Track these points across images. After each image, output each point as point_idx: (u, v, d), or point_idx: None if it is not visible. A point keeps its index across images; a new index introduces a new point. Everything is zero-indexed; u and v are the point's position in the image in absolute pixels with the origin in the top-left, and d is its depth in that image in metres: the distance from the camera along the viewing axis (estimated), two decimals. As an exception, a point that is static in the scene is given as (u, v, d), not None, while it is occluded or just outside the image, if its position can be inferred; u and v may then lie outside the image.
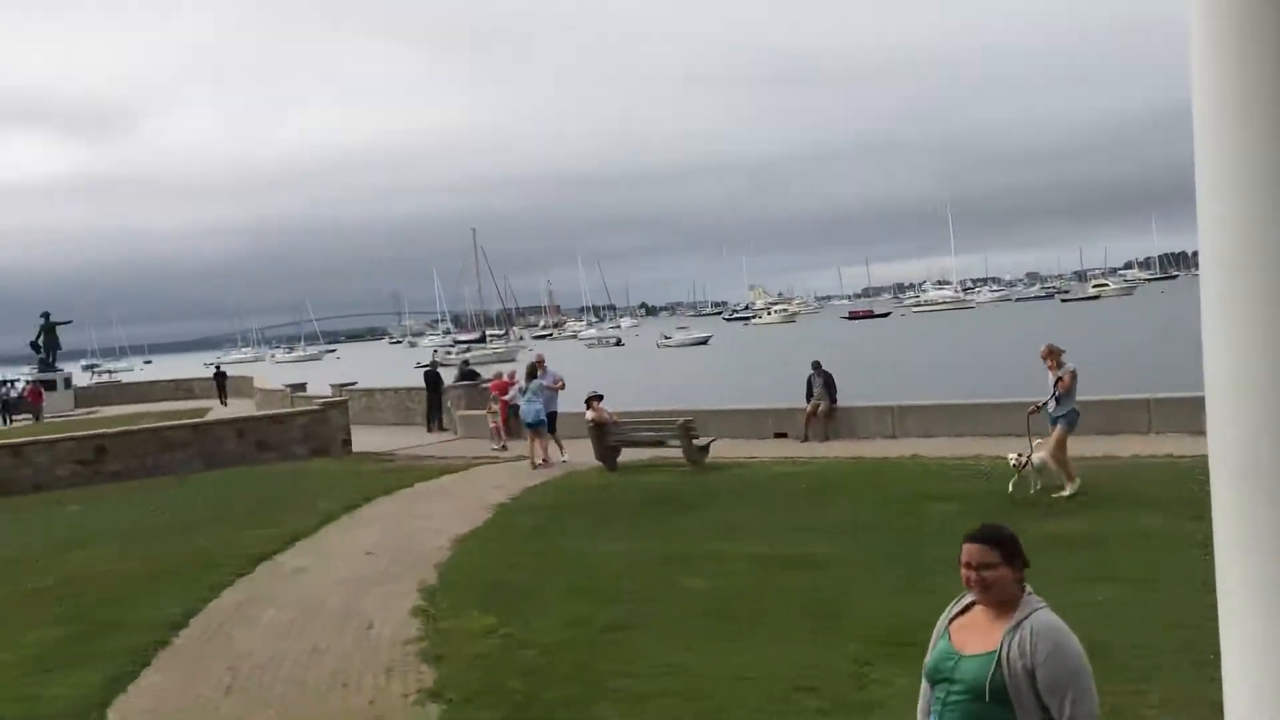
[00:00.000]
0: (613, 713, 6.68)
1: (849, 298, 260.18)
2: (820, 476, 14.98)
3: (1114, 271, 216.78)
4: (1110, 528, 10.75)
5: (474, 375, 30.00)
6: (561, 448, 19.23)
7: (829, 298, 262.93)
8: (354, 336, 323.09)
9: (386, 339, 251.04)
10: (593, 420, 18.12)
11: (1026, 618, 3.42)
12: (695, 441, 17.08)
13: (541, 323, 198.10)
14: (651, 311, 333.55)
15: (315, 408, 24.82)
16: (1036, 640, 3.36)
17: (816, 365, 20.71)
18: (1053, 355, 12.77)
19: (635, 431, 18.19)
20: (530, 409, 19.00)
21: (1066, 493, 12.22)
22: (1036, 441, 12.62)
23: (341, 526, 14.46)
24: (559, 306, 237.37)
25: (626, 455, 18.10)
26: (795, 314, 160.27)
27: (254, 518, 15.46)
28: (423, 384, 28.80)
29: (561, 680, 7.43)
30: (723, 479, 15.49)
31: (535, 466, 18.40)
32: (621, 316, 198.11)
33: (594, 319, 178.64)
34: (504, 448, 22.23)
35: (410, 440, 25.41)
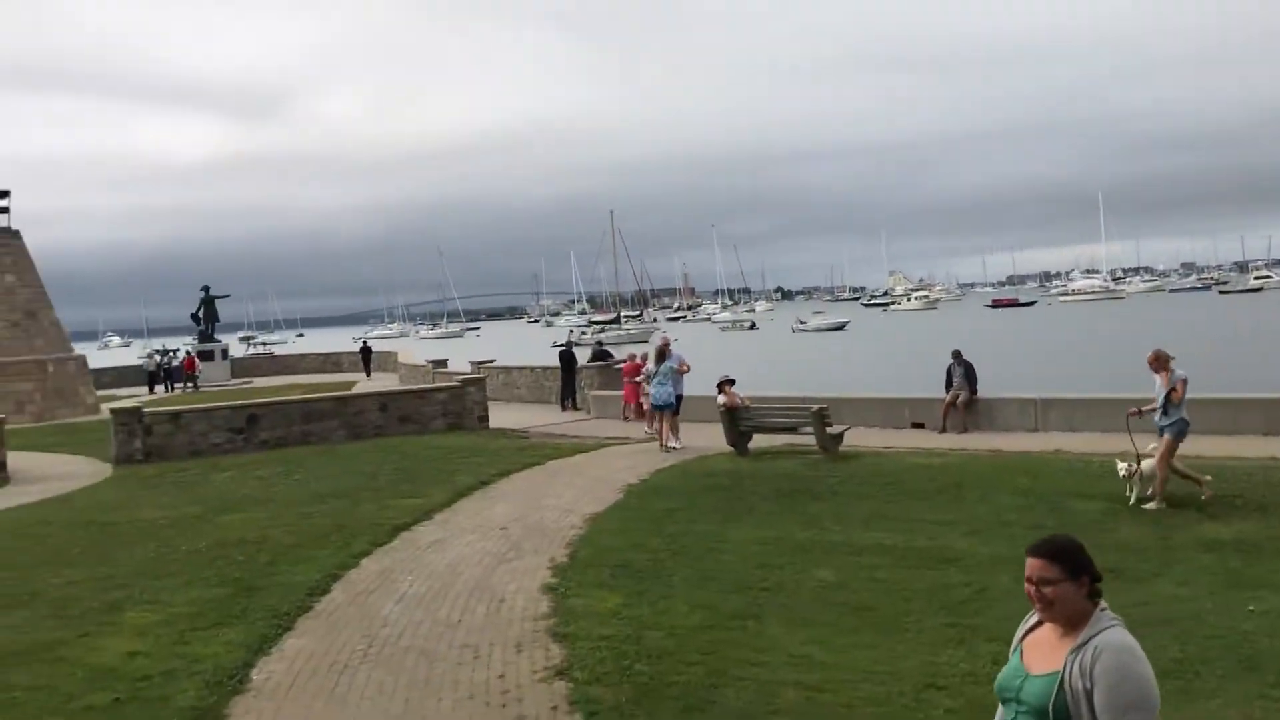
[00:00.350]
0: (738, 701, 6.63)
1: (993, 285, 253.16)
2: (958, 469, 14.59)
3: (1278, 263, 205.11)
4: (1262, 534, 10.18)
5: (607, 356, 30.23)
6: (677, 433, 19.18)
7: (972, 285, 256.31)
8: (494, 315, 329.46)
9: (525, 318, 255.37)
10: (725, 405, 18.04)
11: (1094, 637, 3.19)
12: (829, 429, 16.84)
13: (676, 305, 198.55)
14: (787, 295, 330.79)
15: (454, 384, 25.38)
16: (1099, 661, 3.12)
17: (957, 354, 20.18)
18: (1160, 362, 12.09)
19: (768, 417, 18.04)
20: (662, 391, 19.03)
21: (1151, 506, 11.57)
22: (1152, 446, 11.92)
23: (476, 500, 14.75)
24: (693, 289, 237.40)
25: (758, 441, 17.97)
26: (936, 301, 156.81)
27: (393, 489, 15.90)
28: (558, 363, 29.16)
29: (687, 665, 7.41)
30: (856, 468, 15.23)
31: (666, 449, 18.43)
32: (756, 300, 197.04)
33: (728, 302, 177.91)
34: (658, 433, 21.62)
35: (544, 418, 25.76)
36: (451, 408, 24.29)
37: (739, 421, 17.88)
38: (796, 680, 6.96)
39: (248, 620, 9.26)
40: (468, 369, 32.69)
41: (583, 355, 30.85)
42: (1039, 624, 3.40)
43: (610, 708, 6.70)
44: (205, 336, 54.89)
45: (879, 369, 47.90)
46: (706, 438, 19.30)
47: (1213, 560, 9.41)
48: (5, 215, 38.50)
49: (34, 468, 22.04)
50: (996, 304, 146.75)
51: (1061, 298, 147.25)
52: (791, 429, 17.67)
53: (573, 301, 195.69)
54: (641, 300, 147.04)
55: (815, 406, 17.20)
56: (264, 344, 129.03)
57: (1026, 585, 3.32)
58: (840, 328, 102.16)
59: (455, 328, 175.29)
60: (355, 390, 30.54)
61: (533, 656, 7.92)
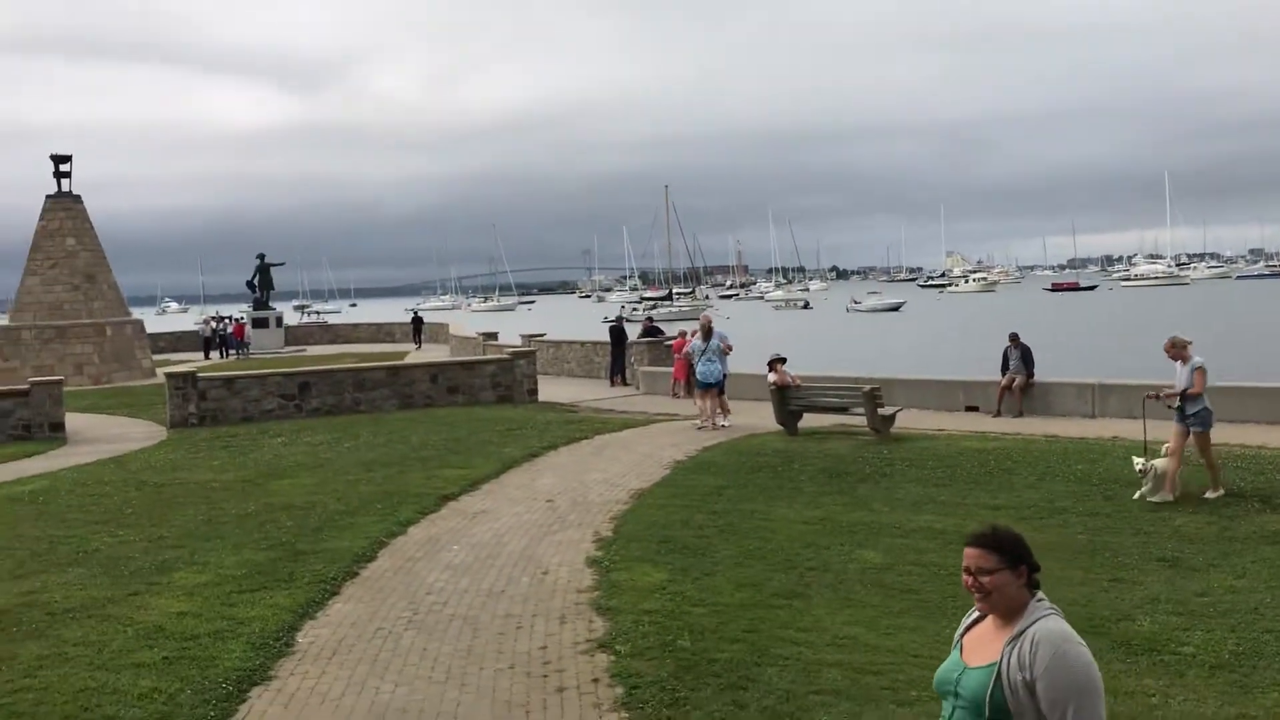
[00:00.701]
0: (780, 680, 6.60)
1: (1053, 269, 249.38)
2: (1012, 454, 14.40)
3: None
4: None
5: (658, 332, 30.18)
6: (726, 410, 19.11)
7: (1031, 268, 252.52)
8: (545, 289, 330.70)
9: (576, 293, 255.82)
10: (775, 383, 17.94)
11: (1030, 626, 3.14)
12: (881, 410, 16.69)
13: (729, 282, 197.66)
14: (842, 275, 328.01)
15: (504, 356, 25.49)
16: (1037, 650, 3.07)
17: (1014, 337, 19.89)
18: (1178, 349, 11.76)
19: (819, 396, 17.91)
20: (711, 369, 18.94)
21: (1210, 495, 11.30)
22: (1166, 446, 11.56)
23: (523, 472, 14.82)
24: (747, 266, 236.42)
25: (808, 420, 17.86)
26: (994, 283, 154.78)
27: (441, 459, 16.02)
28: (608, 338, 29.18)
29: (730, 642, 7.39)
30: (907, 450, 15.09)
31: (716, 427, 18.39)
32: (811, 279, 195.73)
33: (782, 280, 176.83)
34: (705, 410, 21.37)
35: (593, 393, 25.81)
36: (501, 380, 24.41)
37: (789, 400, 17.78)
38: (840, 661, 6.91)
39: (295, 584, 9.39)
40: (518, 342, 32.82)
41: (633, 331, 30.83)
42: (979, 619, 3.36)
43: (651, 682, 6.70)
44: (260, 304, 55.56)
45: (934, 351, 47.40)
46: (756, 416, 19.23)
47: (1274, 552, 9.21)
48: (67, 180, 39.20)
49: (91, 429, 22.50)
50: (1056, 288, 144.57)
51: (1123, 283, 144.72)
52: (843, 409, 17.54)
53: (625, 277, 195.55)
54: (694, 277, 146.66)
55: (867, 387, 17.05)
56: (318, 313, 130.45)
57: (964, 576, 3.27)
58: (896, 309, 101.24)
59: (508, 301, 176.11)
60: (407, 361, 30.80)
61: (575, 628, 7.95)
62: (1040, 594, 3.26)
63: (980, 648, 3.26)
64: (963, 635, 3.39)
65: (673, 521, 11.29)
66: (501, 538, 11.00)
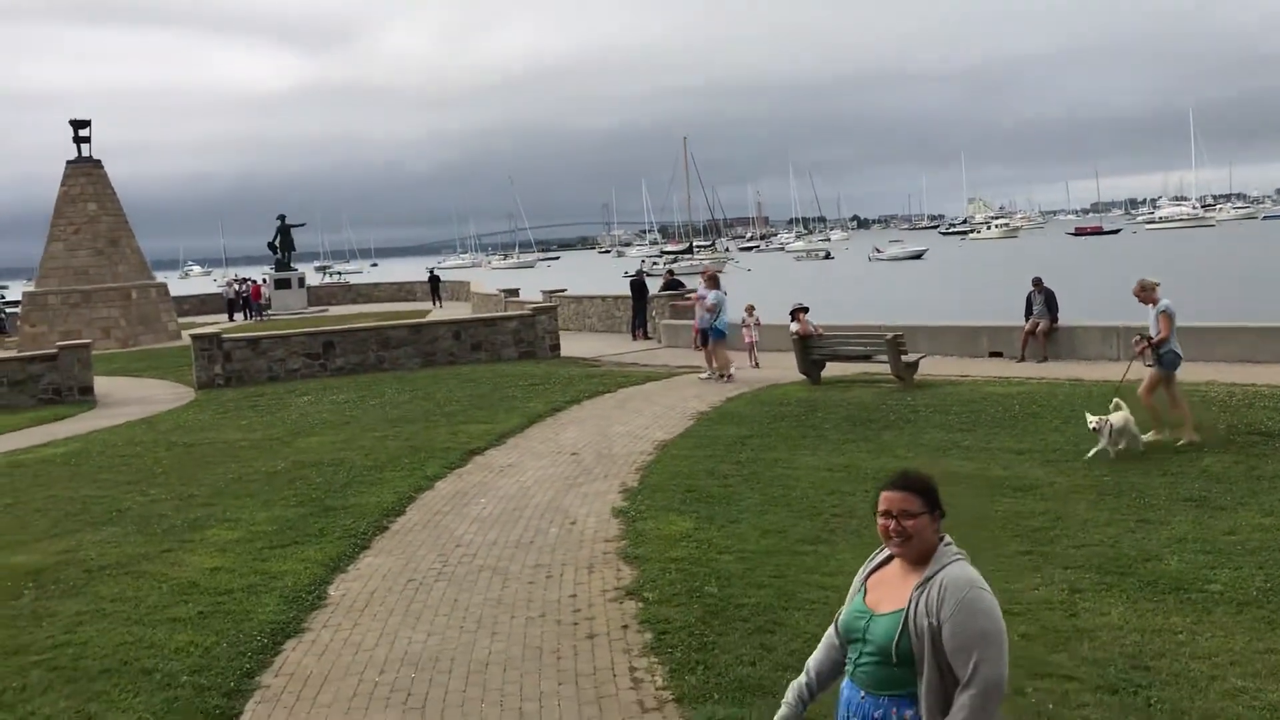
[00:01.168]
0: (807, 623, 6.64)
1: (1076, 213, 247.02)
2: (1036, 398, 14.35)
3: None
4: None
5: (678, 285, 30.11)
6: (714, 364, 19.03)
7: (1054, 213, 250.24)
8: (565, 245, 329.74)
9: (596, 248, 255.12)
10: (797, 333, 17.89)
11: (938, 572, 3.09)
12: (904, 357, 16.63)
13: (749, 234, 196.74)
14: (863, 224, 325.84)
15: (526, 312, 25.51)
16: (945, 595, 3.02)
17: (1037, 282, 19.73)
18: (1146, 292, 11.62)
19: (841, 345, 17.87)
20: (723, 320, 19.07)
21: (1183, 440, 11.14)
22: (1115, 402, 11.24)
23: (548, 426, 14.88)
24: (767, 218, 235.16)
25: (831, 369, 17.83)
26: (1017, 229, 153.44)
27: (466, 414, 16.11)
28: (629, 293, 29.14)
29: (756, 587, 7.44)
30: (931, 397, 15.06)
31: (721, 379, 18.32)
32: (831, 229, 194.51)
33: (803, 231, 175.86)
34: (756, 365, 20.29)
35: (615, 347, 25.83)
36: (523, 336, 24.46)
37: (812, 350, 17.74)
38: (867, 604, 6.95)
39: (325, 539, 9.50)
40: (539, 298, 32.83)
41: (654, 285, 30.77)
42: (884, 562, 3.32)
43: (680, 627, 6.76)
44: (282, 265, 55.70)
45: (957, 298, 47.14)
46: (780, 367, 19.20)
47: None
48: (86, 145, 39.29)
49: (120, 391, 22.73)
50: (1079, 232, 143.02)
51: (1147, 225, 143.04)
52: (866, 357, 17.49)
53: (644, 231, 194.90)
54: (714, 230, 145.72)
55: (890, 334, 16.98)
56: (339, 273, 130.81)
57: (882, 520, 3.22)
58: (918, 256, 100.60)
59: (528, 258, 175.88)
60: (429, 319, 30.87)
61: (603, 577, 8.02)
62: (948, 538, 3.22)
63: (888, 593, 3.21)
64: (867, 578, 3.34)
65: (697, 471, 11.33)
66: (528, 490, 11.07)
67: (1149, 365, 11.73)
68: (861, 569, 3.42)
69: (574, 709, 5.81)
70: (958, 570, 3.10)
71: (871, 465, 11.13)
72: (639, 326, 28.11)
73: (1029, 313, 19.50)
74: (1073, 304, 22.53)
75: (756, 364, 20.27)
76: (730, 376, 18.39)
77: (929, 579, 3.10)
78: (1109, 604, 6.73)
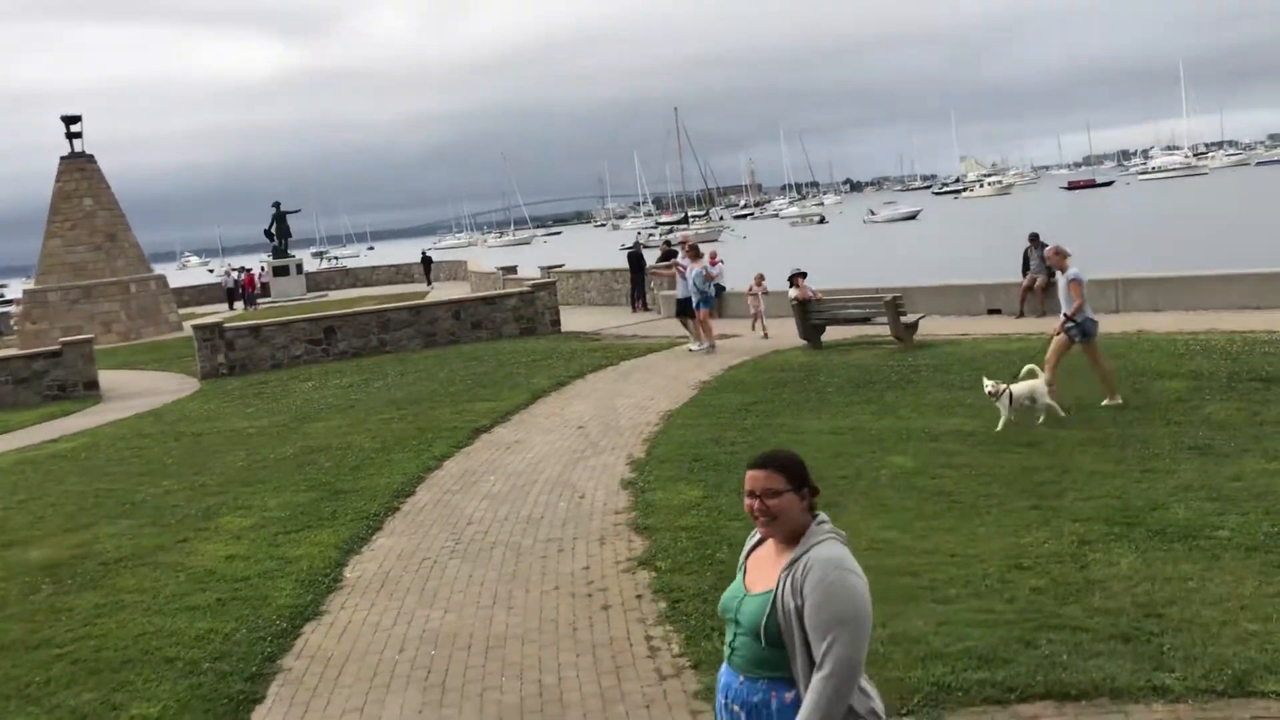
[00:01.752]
0: (821, 586, 6.67)
1: (1068, 167, 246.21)
2: (1036, 354, 14.33)
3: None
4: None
5: (675, 255, 30.03)
6: (697, 335, 18.81)
7: (1047, 168, 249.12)
8: (560, 220, 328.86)
9: (592, 223, 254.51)
10: (796, 298, 17.88)
11: (807, 551, 3.02)
12: (903, 318, 16.62)
13: (742, 202, 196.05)
14: (856, 187, 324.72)
15: (525, 289, 25.47)
16: (809, 575, 2.96)
17: (1034, 237, 19.71)
18: (1059, 257, 11.51)
19: (840, 309, 17.85)
20: (707, 288, 18.95)
21: (1106, 403, 10.95)
22: (1028, 368, 10.95)
23: (552, 402, 14.90)
24: (760, 185, 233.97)
25: (831, 334, 17.82)
26: (1010, 186, 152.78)
27: (470, 393, 16.11)
28: (626, 265, 29.09)
29: (769, 553, 7.46)
30: (932, 356, 15.06)
31: (698, 349, 18.24)
32: (825, 193, 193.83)
33: (796, 196, 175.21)
34: (765, 336, 19.66)
35: (615, 320, 25.81)
36: (523, 313, 24.43)
37: (811, 314, 17.73)
38: (877, 565, 6.95)
39: (338, 522, 9.53)
40: (537, 275, 32.76)
41: (651, 257, 30.72)
42: (761, 541, 3.26)
43: (693, 595, 6.79)
44: (279, 252, 55.55)
45: (953, 257, 47.05)
46: (780, 333, 19.19)
47: None
48: (79, 140, 39.11)
49: (124, 384, 22.74)
50: (1073, 185, 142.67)
51: (1140, 177, 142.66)
52: (865, 320, 17.49)
53: (638, 204, 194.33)
54: (708, 199, 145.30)
55: (889, 296, 16.96)
56: (336, 258, 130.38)
57: (748, 500, 3.17)
58: (912, 217, 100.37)
59: (524, 234, 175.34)
60: (428, 300, 30.84)
61: (615, 548, 8.05)
62: (821, 516, 3.16)
63: (761, 573, 3.16)
64: (746, 558, 3.29)
65: (703, 440, 11.35)
66: (536, 466, 11.10)
67: (1070, 337, 11.32)
68: (745, 546, 3.35)
69: (593, 679, 5.85)
70: (826, 550, 3.02)
71: (876, 426, 11.14)
72: (638, 298, 28.09)
73: (1026, 269, 19.49)
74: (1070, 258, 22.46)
75: (765, 334, 19.76)
76: (713, 347, 18.30)
77: (796, 559, 3.03)
78: (1118, 554, 6.76)
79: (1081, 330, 11.27)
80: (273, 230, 55.99)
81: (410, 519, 9.55)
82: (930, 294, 20.59)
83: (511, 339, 23.50)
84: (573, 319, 25.88)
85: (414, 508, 9.92)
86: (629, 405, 13.99)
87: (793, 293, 18.05)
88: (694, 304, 18.78)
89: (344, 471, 11.58)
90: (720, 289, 24.32)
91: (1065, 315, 11.36)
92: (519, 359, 19.48)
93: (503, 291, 27.53)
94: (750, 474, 3.21)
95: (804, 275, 18.40)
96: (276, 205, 56.59)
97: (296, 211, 58.86)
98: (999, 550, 7.05)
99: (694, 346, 18.52)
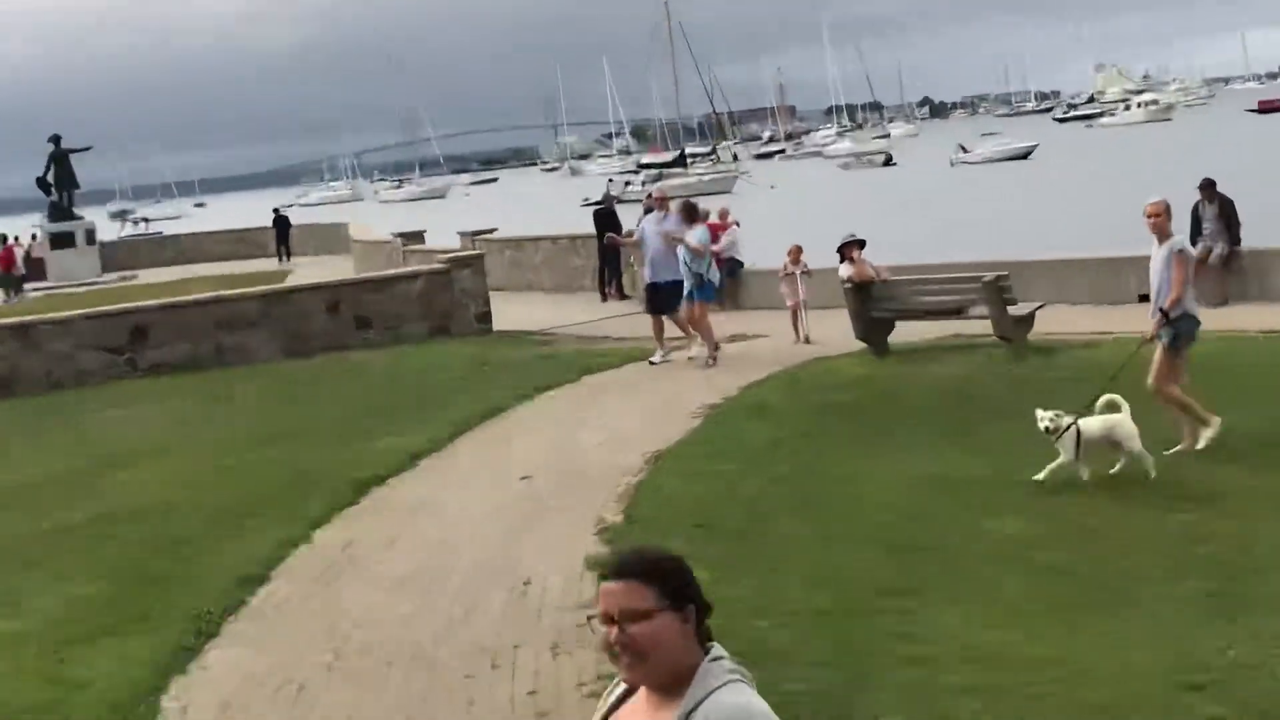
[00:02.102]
0: (893, 715, 6.70)
1: (1257, 79, 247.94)
2: (1214, 361, 14.40)
3: None
4: None
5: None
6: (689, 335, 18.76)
7: (1225, 80, 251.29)
8: (491, 162, 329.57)
9: (539, 164, 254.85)
10: (850, 279, 17.88)
11: (700, 703, 3.02)
12: (1012, 309, 16.71)
13: (768, 133, 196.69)
14: (938, 111, 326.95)
15: (438, 266, 25.44)
16: None
17: (1208, 186, 19.83)
18: (1159, 219, 11.72)
19: (917, 295, 17.92)
20: (657, 268, 18.64)
21: (1200, 444, 11.25)
22: (1106, 399, 11.08)
23: (480, 440, 14.89)
24: (794, 108, 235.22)
25: (903, 332, 17.86)
26: (1170, 107, 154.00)
27: (356, 427, 16.07)
28: (592, 230, 29.08)
29: (812, 667, 7.48)
30: (1055, 366, 15.15)
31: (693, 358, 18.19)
32: (892, 121, 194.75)
33: (848, 125, 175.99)
34: (806, 339, 19.70)
35: (575, 313, 25.81)
36: (435, 302, 24.35)
37: (873, 304, 17.76)
38: (978, 684, 6.99)
39: (153, 625, 9.49)
40: (457, 245, 32.77)
41: (631, 218, 30.73)
42: (629, 694, 3.24)
43: (698, 733, 6.79)
44: (59, 210, 54.95)
45: (1084, 217, 47.31)
46: (826, 332, 19.21)
47: None
48: None
49: None
50: (1264, 108, 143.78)
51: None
52: (955, 311, 17.54)
53: (609, 136, 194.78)
54: (716, 129, 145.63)
55: (990, 275, 17.04)
56: (147, 220, 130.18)
57: (603, 628, 3.15)
58: (1024, 156, 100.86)
59: (436, 183, 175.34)
60: (290, 283, 30.74)
61: (577, 662, 8.03)
62: (716, 647, 3.15)
63: None
64: (605, 718, 3.29)
65: (711, 495, 11.38)
66: (457, 538, 11.09)
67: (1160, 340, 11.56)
68: (602, 700, 3.36)
69: None
70: (728, 698, 3.04)
71: (969, 474, 11.20)
72: (610, 280, 28.05)
73: (1196, 234, 19.60)
74: (1262, 218, 22.64)
75: (806, 338, 19.68)
76: (714, 359, 18.05)
77: (689, 715, 3.03)
78: (1339, 665, 6.82)
79: (1174, 332, 11.39)
80: (49, 178, 55.63)
81: (265, 620, 9.53)
82: (1052, 272, 20.71)
83: (418, 343, 23.41)
84: (511, 310, 25.84)
85: (271, 602, 9.90)
86: (598, 443, 13.99)
87: (845, 271, 18.04)
88: (686, 292, 18.42)
89: (162, 546, 11.53)
90: (737, 266, 24.34)
91: (1161, 310, 11.45)
92: (430, 374, 19.46)
93: (403, 271, 27.50)
94: (603, 588, 3.19)
95: (861, 245, 18.38)
96: (55, 141, 56.23)
97: (86, 149, 58.69)
98: (1158, 661, 7.10)
99: (657, 359, 18.31)
